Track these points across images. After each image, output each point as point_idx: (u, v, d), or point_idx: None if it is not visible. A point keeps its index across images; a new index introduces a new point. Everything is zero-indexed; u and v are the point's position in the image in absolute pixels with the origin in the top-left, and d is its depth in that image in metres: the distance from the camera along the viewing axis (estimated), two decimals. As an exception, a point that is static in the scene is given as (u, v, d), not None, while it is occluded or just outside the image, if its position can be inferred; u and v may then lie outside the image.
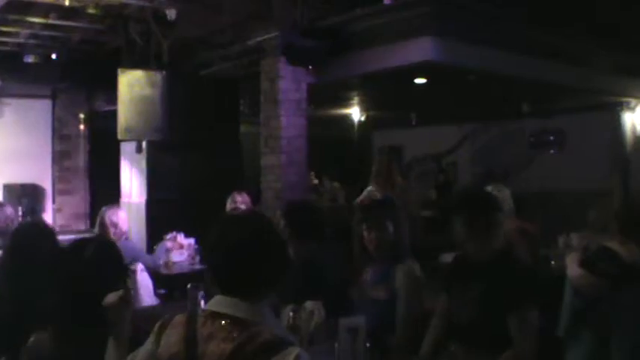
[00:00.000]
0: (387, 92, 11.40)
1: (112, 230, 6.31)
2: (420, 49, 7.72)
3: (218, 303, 2.26)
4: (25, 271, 3.76)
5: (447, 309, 3.82)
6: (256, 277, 2.26)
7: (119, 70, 8.46)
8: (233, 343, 2.11)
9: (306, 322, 3.53)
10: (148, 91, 8.36)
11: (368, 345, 3.50)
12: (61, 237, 4.67)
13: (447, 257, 4.62)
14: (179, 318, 2.30)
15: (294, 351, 2.09)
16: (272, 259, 2.31)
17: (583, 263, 4.42)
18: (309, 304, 3.57)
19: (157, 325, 2.34)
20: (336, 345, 3.37)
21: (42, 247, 3.91)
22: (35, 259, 3.80)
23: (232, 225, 2.35)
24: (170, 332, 2.28)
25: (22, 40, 9.45)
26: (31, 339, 2.88)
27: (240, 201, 7.11)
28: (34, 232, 4.15)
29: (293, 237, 4.43)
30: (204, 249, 2.41)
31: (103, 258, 2.93)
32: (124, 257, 3.12)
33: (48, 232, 4.15)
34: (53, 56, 9.07)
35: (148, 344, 2.32)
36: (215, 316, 2.22)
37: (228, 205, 7.12)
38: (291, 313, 3.51)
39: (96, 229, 6.51)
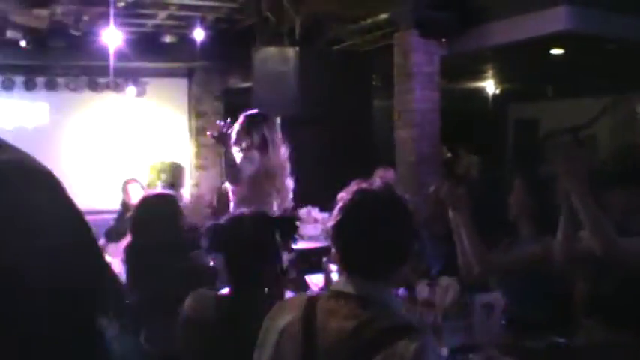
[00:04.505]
0: (522, 64, 11.17)
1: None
2: (555, 19, 7.50)
3: (343, 283, 2.23)
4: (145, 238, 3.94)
5: (589, 279, 3.72)
6: (384, 257, 2.19)
7: (253, 48, 8.60)
8: (354, 322, 2.05)
9: (441, 297, 3.51)
10: (281, 67, 8.45)
11: (503, 322, 3.45)
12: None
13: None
14: (297, 298, 2.30)
15: (416, 341, 2.00)
16: (401, 237, 2.23)
17: None
18: (444, 280, 3.55)
19: (273, 310, 2.34)
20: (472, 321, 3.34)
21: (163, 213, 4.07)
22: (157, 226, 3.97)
23: (361, 203, 2.25)
24: (288, 310, 2.27)
25: (159, 22, 9.72)
26: (195, 292, 3.04)
27: (381, 175, 7.08)
28: (156, 202, 4.33)
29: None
30: (332, 227, 2.31)
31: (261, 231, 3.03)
32: None
33: (170, 201, 4.30)
34: (196, 35, 9.26)
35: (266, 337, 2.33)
36: (339, 294, 2.18)
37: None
38: (426, 288, 3.50)
39: None
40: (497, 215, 4.29)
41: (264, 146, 5.79)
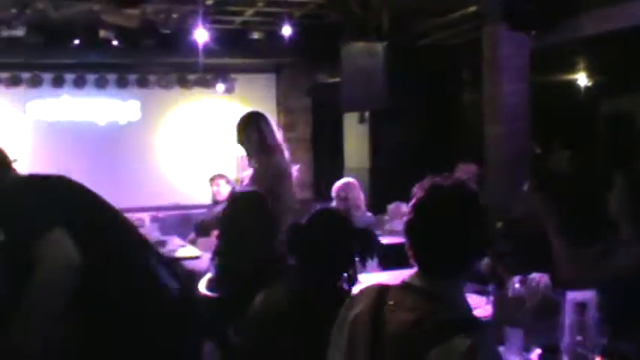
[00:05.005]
0: (615, 56, 10.91)
1: (337, 203, 6.49)
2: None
3: (414, 276, 2.24)
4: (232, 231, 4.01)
5: None
6: (455, 254, 2.19)
7: (341, 43, 8.61)
8: (416, 314, 2.06)
9: (531, 295, 3.45)
10: (369, 62, 8.45)
11: (596, 322, 3.36)
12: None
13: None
14: (369, 289, 2.31)
15: (472, 337, 1.98)
16: (473, 234, 2.21)
17: None
18: (535, 277, 3.49)
19: (348, 301, 2.38)
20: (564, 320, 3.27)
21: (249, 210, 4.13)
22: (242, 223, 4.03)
23: (432, 200, 2.25)
24: (360, 300, 2.30)
25: (247, 18, 9.82)
26: (265, 290, 3.12)
27: (462, 169, 7.00)
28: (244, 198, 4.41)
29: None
30: (405, 223, 2.29)
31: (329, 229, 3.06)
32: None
33: (257, 197, 4.37)
34: (284, 31, 9.31)
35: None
36: (407, 287, 2.20)
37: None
38: (517, 285, 3.44)
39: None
40: (592, 211, 4.18)
41: (263, 139, 5.82)
